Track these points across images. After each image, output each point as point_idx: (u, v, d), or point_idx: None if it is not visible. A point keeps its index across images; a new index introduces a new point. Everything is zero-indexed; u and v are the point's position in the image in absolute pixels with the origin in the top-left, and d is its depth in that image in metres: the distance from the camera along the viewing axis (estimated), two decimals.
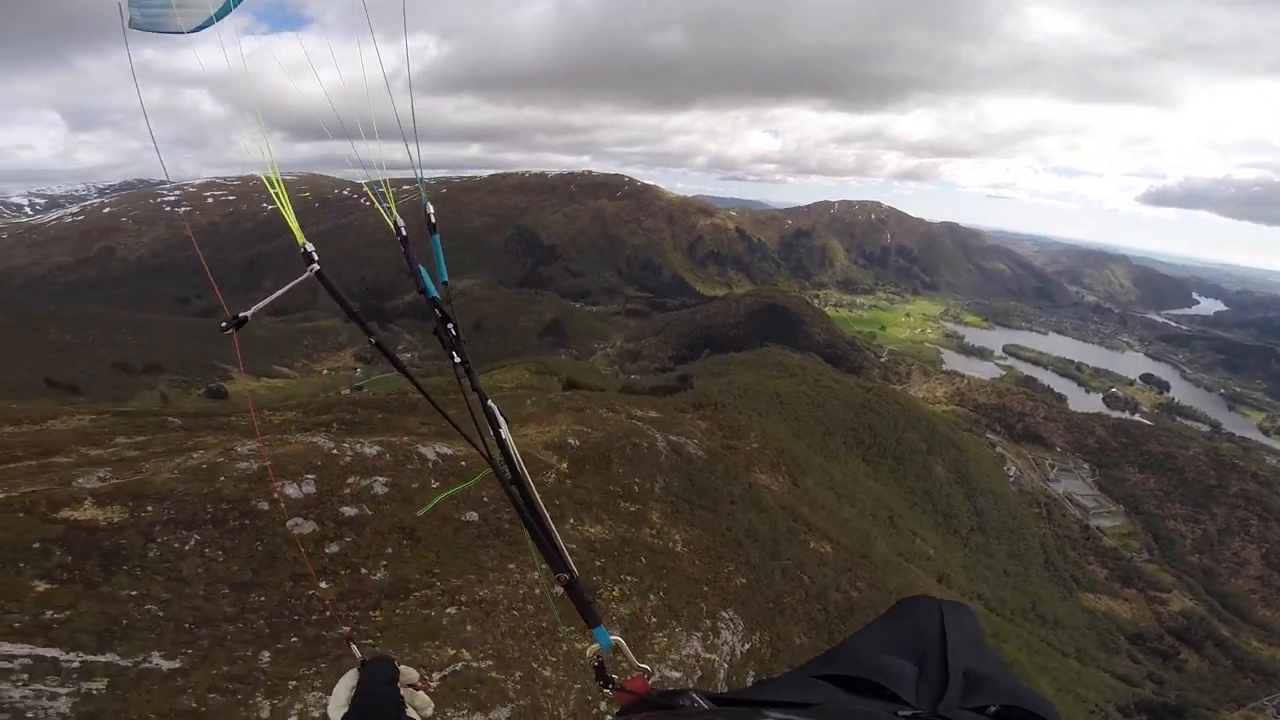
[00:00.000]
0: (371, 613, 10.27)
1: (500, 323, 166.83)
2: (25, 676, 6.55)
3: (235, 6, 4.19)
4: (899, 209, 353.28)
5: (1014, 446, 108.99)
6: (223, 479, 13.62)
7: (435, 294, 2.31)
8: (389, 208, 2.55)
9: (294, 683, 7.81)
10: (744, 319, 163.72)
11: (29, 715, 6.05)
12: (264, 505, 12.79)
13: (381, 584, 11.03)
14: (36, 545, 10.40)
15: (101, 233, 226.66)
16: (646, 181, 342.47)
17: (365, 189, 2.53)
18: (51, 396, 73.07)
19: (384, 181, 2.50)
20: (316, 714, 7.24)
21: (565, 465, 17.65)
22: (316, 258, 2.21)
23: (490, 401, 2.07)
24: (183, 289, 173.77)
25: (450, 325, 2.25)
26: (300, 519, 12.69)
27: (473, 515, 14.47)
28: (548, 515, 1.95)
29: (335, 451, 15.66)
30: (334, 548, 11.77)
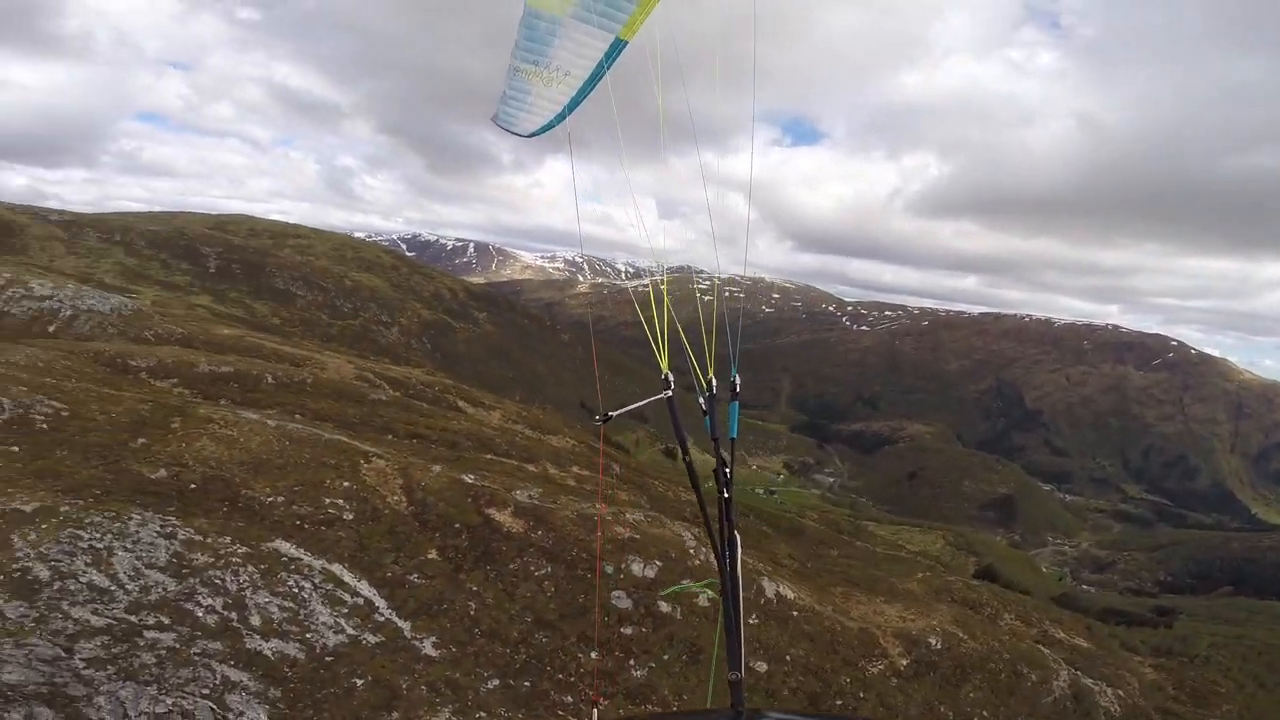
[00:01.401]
0: (601, 700, 10.46)
1: (939, 479, 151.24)
2: (345, 610, 8.88)
3: (563, 120, 5.18)
4: None
5: None
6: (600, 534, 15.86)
7: (720, 451, 2.96)
8: (706, 367, 3.25)
9: (483, 714, 8.47)
10: None
11: (308, 635, 8.10)
12: (609, 569, 14.40)
13: (634, 682, 11.12)
14: (457, 525, 13.96)
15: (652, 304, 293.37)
16: (1207, 350, 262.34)
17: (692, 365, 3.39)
18: (576, 416, 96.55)
19: (728, 338, 3.33)
20: None
21: (904, 663, 14.82)
22: (673, 387, 3.19)
23: (736, 531, 2.78)
24: (683, 362, 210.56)
25: (727, 470, 2.92)
26: (624, 594, 13.84)
27: (761, 666, 13.45)
28: (744, 627, 2.54)
29: (692, 550, 16.54)
30: (628, 629, 12.45)
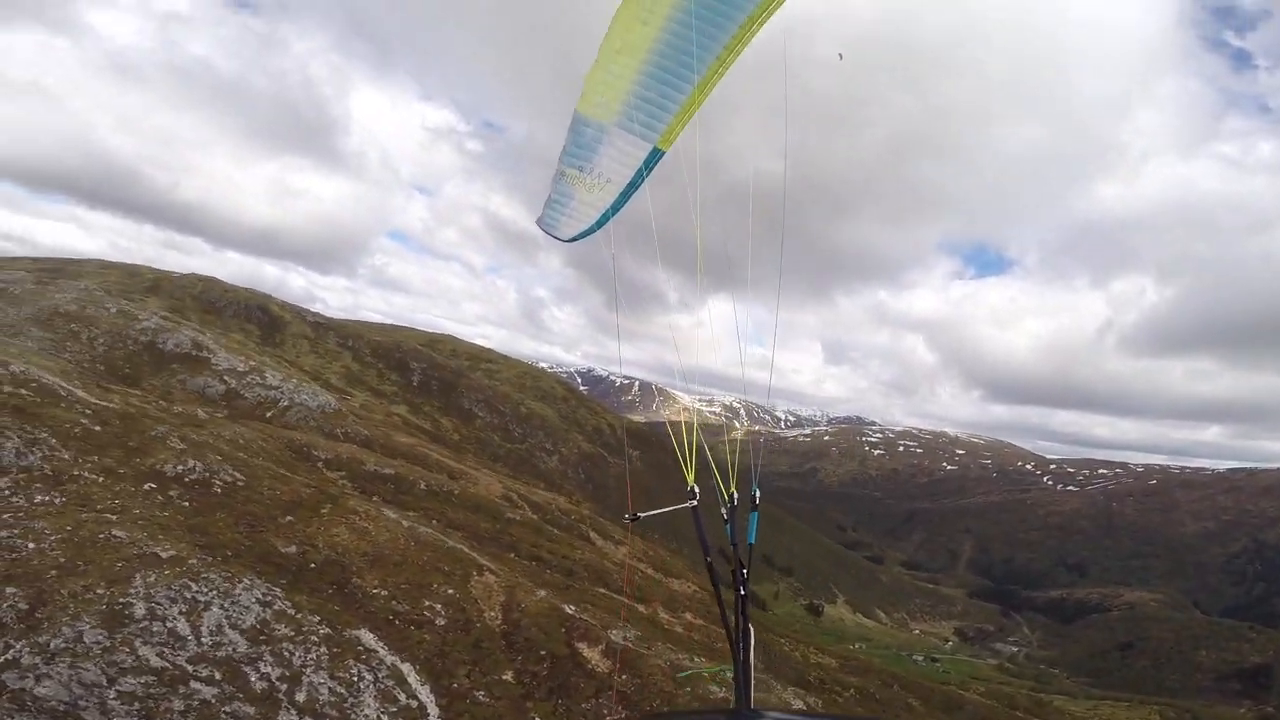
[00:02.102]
0: None
1: (1164, 650, 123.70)
2: (394, 709, 8.57)
3: (601, 226, 5.35)
4: None
5: None
6: (689, 690, 14.55)
7: (738, 555, 3.36)
8: (730, 481, 3.63)
9: None
10: None
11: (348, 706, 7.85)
12: None
13: None
14: (542, 653, 13.43)
15: (814, 455, 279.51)
16: None
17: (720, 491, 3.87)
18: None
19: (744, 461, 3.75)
20: None
21: None
22: (698, 498, 3.60)
23: (750, 624, 3.16)
24: (845, 518, 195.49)
25: (744, 570, 3.33)
26: None
27: None
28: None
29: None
30: None
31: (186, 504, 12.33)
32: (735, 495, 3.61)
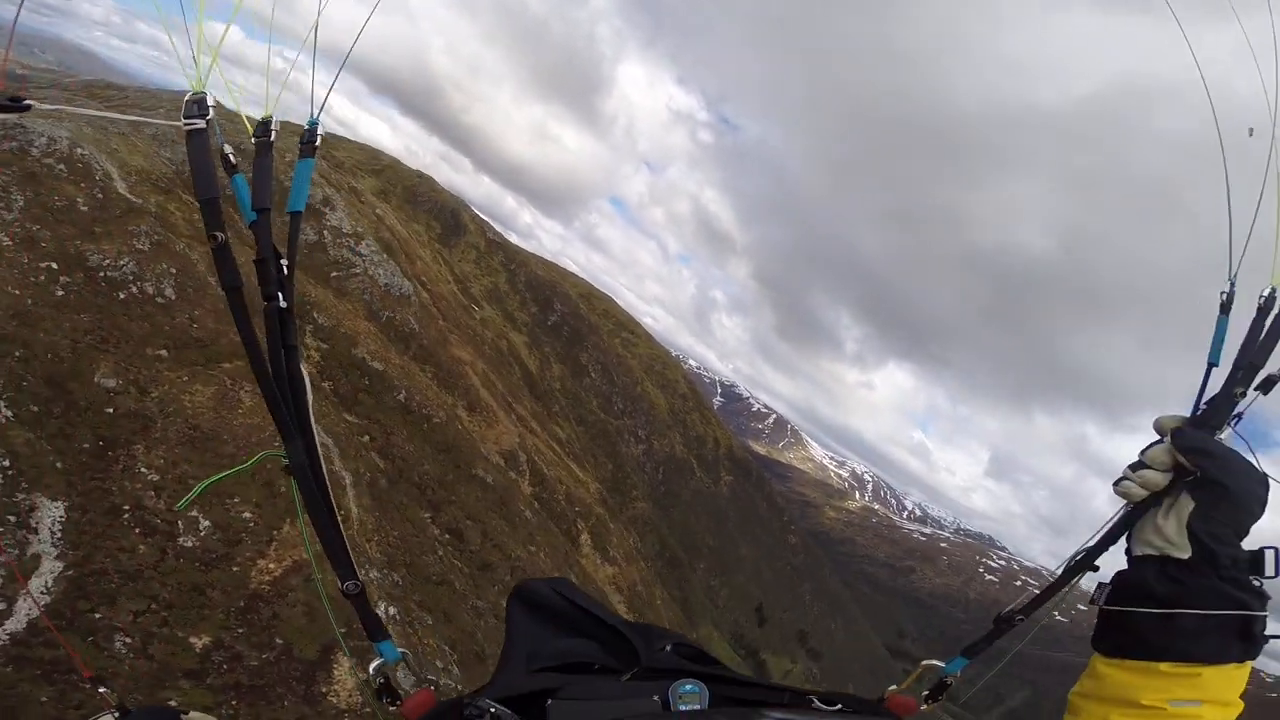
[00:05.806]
0: None
1: None
2: None
3: None
4: None
5: None
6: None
7: (252, 217, 1.44)
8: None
9: None
10: None
11: None
12: None
13: None
14: None
15: (919, 555, 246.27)
16: None
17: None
18: (742, 618, 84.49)
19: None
20: None
21: None
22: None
23: (302, 363, 1.52)
24: (911, 627, 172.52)
25: (283, 261, 1.53)
26: None
27: None
28: (339, 516, 1.48)
29: None
30: None
31: None
32: (276, 127, 1.55)
